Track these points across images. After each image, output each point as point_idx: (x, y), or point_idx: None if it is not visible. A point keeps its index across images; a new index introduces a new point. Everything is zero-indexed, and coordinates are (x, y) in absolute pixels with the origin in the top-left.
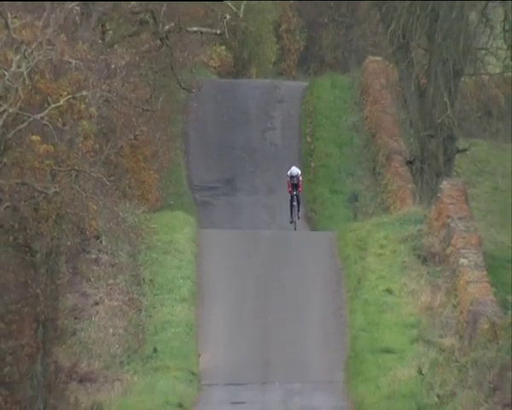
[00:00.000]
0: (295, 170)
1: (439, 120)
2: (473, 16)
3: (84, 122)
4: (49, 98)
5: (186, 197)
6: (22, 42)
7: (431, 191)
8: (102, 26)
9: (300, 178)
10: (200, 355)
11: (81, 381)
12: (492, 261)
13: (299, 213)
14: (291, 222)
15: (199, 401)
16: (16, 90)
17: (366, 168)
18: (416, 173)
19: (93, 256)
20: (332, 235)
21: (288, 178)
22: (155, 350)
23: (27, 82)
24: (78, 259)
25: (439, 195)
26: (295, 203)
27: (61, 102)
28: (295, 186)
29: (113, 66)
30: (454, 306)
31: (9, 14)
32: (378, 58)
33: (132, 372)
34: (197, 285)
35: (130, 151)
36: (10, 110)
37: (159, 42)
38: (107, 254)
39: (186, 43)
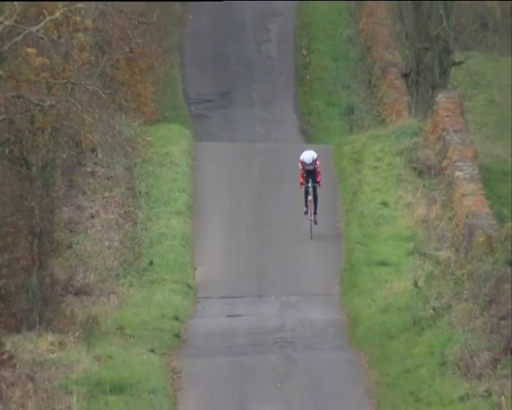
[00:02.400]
0: (309, 153)
1: (435, 33)
2: None
3: (80, 35)
4: (44, 11)
5: (182, 110)
6: None
7: (426, 104)
8: None
9: (318, 162)
10: (195, 268)
11: (77, 294)
12: (488, 174)
13: (317, 213)
14: (305, 212)
15: (195, 313)
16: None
17: (362, 81)
18: (411, 86)
19: (89, 169)
20: (328, 148)
21: (301, 163)
22: (151, 263)
23: None
24: (74, 172)
25: (434, 107)
26: (311, 197)
27: (57, 14)
28: (310, 175)
29: None
30: (450, 218)
31: None
32: None
33: (128, 285)
34: (193, 198)
35: (125, 64)
36: (6, 23)
37: None
38: (102, 167)
39: None
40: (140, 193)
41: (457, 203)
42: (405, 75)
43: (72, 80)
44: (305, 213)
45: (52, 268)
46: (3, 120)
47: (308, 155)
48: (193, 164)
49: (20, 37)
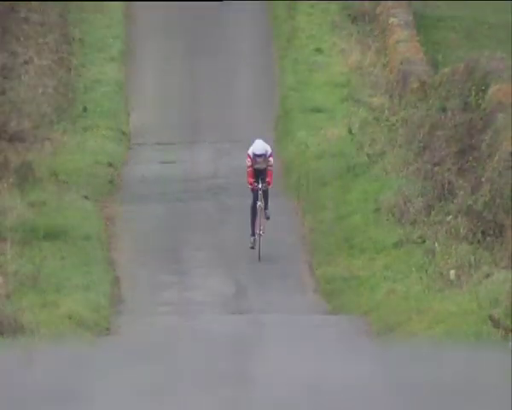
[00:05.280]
0: (261, 145)
1: None
2: None
3: None
4: None
5: None
6: None
7: None
8: None
9: (271, 159)
10: (129, 115)
11: (10, 140)
12: (422, 20)
13: (268, 208)
14: (252, 247)
15: (129, 160)
16: None
17: None
18: None
19: (22, 15)
20: None
21: (250, 159)
22: (85, 109)
23: None
24: (7, 18)
25: None
26: (260, 203)
27: None
28: (260, 174)
29: None
30: (384, 65)
31: None
32: None
33: (62, 131)
34: (127, 45)
35: None
36: None
37: None
38: (36, 13)
39: None
40: (74, 39)
41: (391, 50)
42: None
43: None
44: (252, 247)
45: None
46: None
47: (259, 146)
48: (126, 11)
49: None
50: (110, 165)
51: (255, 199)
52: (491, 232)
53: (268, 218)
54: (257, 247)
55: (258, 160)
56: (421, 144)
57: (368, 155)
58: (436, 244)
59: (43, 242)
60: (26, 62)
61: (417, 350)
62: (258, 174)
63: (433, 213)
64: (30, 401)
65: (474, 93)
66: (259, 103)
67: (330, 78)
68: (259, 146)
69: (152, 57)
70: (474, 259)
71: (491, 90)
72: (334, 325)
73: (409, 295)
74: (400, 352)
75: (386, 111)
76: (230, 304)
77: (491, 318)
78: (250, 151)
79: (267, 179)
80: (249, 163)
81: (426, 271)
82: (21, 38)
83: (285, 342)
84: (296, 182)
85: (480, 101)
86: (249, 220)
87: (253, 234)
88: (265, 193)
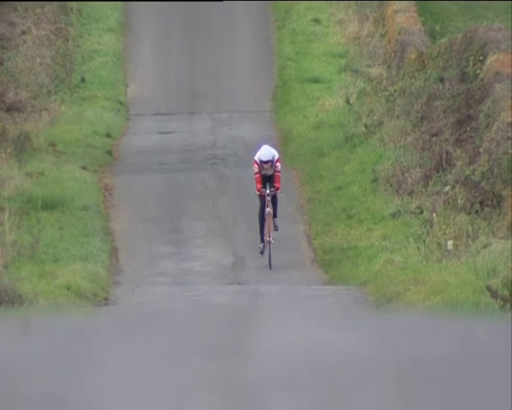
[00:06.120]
0: (267, 151)
1: None
2: None
3: None
4: None
5: None
6: None
7: None
8: None
9: (278, 164)
10: (128, 85)
11: (8, 110)
12: None
13: (277, 215)
14: (261, 252)
15: (127, 130)
16: None
17: None
18: None
19: None
20: None
21: (257, 165)
22: (83, 80)
23: None
24: None
25: None
26: (269, 209)
27: None
28: (268, 181)
29: None
30: (382, 35)
31: None
32: None
33: (60, 102)
34: (125, 15)
35: None
36: None
37: None
38: None
39: None
40: (72, 10)
41: (389, 20)
42: None
43: None
44: (262, 251)
45: None
46: None
47: (266, 152)
48: None
49: None
50: (108, 135)
51: (263, 206)
52: (489, 203)
53: (277, 229)
54: (267, 253)
55: (265, 166)
56: (419, 115)
57: (365, 126)
58: (434, 215)
59: (41, 212)
60: (23, 33)
61: (415, 320)
62: (266, 180)
63: (430, 183)
64: (27, 370)
65: (471, 63)
66: (257, 74)
67: (328, 48)
68: (266, 152)
69: (150, 28)
70: (472, 229)
71: (488, 61)
72: (332, 295)
73: (406, 265)
74: (398, 322)
75: (384, 81)
76: (228, 275)
77: (488, 288)
78: (256, 157)
79: (275, 184)
80: (256, 169)
81: (423, 241)
82: (19, 9)
83: (283, 312)
84: (294, 152)
85: (477, 71)
86: (256, 217)
87: (262, 240)
88: (274, 198)
